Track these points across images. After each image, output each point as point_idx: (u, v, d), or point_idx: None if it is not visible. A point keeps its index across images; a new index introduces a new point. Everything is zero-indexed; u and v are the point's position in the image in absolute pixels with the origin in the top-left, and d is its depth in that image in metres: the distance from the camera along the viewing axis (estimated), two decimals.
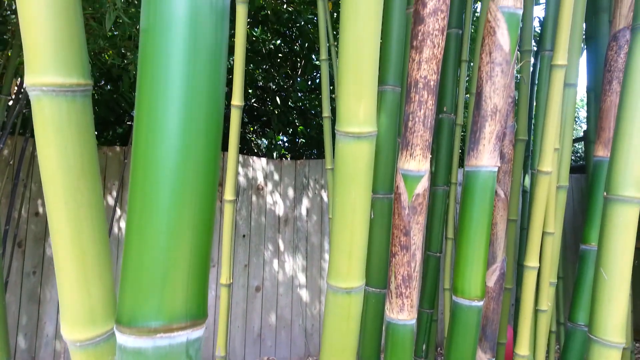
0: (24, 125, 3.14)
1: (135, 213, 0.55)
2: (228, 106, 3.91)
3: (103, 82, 4.14)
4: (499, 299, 1.53)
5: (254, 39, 4.67)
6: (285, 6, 4.36)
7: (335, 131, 0.94)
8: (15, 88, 2.94)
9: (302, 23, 4.34)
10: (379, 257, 1.32)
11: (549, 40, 1.86)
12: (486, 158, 1.13)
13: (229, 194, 1.55)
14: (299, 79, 5.18)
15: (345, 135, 0.91)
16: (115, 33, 2.74)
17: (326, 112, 2.23)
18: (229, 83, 3.45)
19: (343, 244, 0.95)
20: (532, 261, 1.47)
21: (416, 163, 1.09)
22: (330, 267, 0.99)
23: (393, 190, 1.31)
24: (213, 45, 0.54)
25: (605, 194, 1.29)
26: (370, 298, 1.34)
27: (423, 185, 1.11)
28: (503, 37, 1.22)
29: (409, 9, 1.57)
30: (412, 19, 1.17)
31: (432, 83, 1.08)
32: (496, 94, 1.23)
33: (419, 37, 1.06)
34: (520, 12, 1.22)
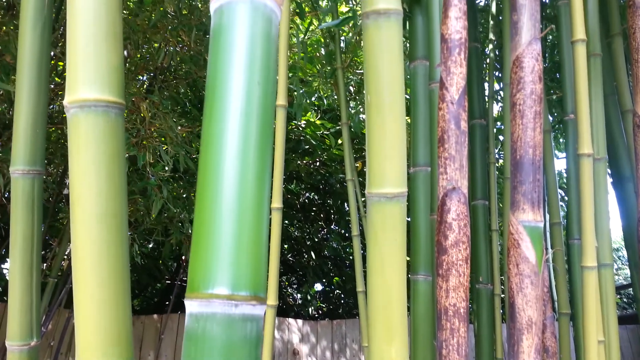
0: (69, 301, 3.26)
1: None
2: None
3: (147, 241, 4.34)
4: None
5: (288, 196, 4.89)
6: (317, 168, 4.63)
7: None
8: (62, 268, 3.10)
9: (334, 182, 4.56)
10: None
11: (576, 230, 1.88)
12: None
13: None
14: (333, 227, 5.30)
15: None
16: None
17: (360, 287, 2.25)
18: None
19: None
20: None
21: None
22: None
23: None
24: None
25: None
26: None
27: None
28: (528, 250, 1.25)
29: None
30: (435, 222, 1.22)
31: (462, 310, 1.10)
32: (529, 306, 1.22)
33: (444, 267, 1.10)
34: (542, 224, 1.27)
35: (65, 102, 0.75)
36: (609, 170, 2.45)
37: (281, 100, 1.66)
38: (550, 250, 2.14)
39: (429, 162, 1.78)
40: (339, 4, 2.63)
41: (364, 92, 1.01)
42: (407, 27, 1.95)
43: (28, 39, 1.07)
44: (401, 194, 0.97)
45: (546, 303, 1.64)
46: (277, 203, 1.63)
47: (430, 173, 1.77)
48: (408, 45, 2.05)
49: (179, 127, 2.61)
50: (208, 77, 0.70)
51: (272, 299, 1.54)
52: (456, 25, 1.13)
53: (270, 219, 1.60)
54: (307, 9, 3.29)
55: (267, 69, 0.70)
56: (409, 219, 1.72)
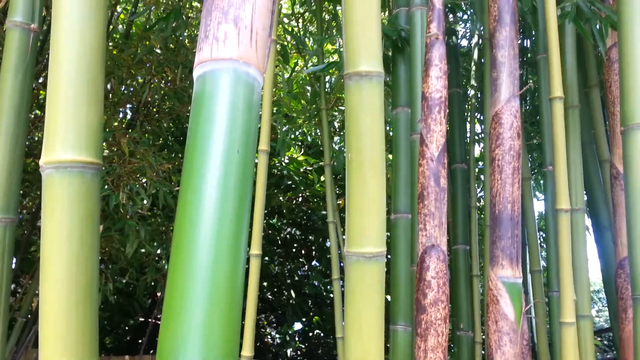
0: (37, 340, 3.14)
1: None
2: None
3: (122, 276, 4.23)
4: None
5: (269, 232, 4.85)
6: (299, 203, 4.61)
7: None
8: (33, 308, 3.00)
9: (316, 218, 4.54)
10: None
11: (555, 283, 1.89)
12: None
13: None
14: (314, 263, 5.25)
15: None
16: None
17: (339, 334, 2.21)
18: None
19: None
20: None
21: None
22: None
23: None
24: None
25: None
26: None
27: None
28: (507, 307, 1.24)
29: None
30: (414, 280, 1.21)
31: None
32: None
33: (423, 326, 1.09)
34: (520, 280, 1.27)
35: (41, 162, 0.74)
36: (588, 219, 2.49)
37: (263, 145, 1.66)
38: (531, 300, 2.14)
39: (409, 209, 1.78)
40: (325, 43, 2.67)
41: (345, 150, 1.01)
42: (390, 75, 1.98)
43: (8, 87, 1.06)
44: (380, 253, 0.96)
45: (525, 356, 1.63)
46: (256, 250, 1.60)
47: (411, 220, 1.77)
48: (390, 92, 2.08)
49: (159, 164, 2.58)
50: (188, 145, 0.69)
51: (248, 350, 1.50)
52: (436, 85, 1.15)
53: (248, 267, 1.57)
54: (292, 49, 3.34)
55: (247, 135, 0.70)
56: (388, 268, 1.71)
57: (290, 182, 4.46)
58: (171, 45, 3.09)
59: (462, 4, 2.26)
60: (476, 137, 3.56)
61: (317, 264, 5.24)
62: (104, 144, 2.98)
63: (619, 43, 1.34)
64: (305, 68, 3.36)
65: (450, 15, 2.86)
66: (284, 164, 4.31)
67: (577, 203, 1.88)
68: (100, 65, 0.79)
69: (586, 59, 2.32)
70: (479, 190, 3.77)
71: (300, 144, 4.60)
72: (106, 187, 2.17)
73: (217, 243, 0.61)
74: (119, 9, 3.68)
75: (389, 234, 1.85)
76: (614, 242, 2.27)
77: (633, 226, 1.26)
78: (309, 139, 4.38)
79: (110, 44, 3.38)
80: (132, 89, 3.19)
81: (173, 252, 0.65)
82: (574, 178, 1.88)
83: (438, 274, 1.10)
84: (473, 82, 2.90)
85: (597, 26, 1.88)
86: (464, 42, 3.67)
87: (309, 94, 3.29)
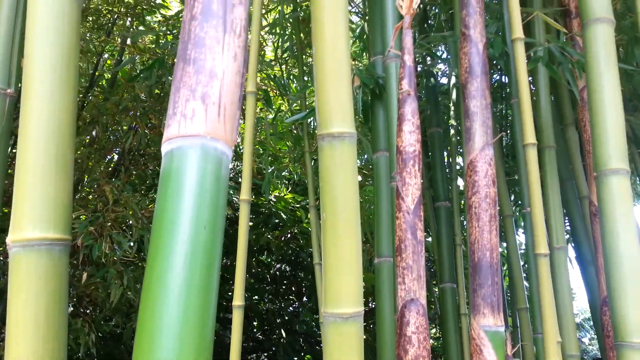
0: None
1: None
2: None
3: (108, 320, 4.14)
4: None
5: (259, 269, 4.81)
6: (288, 240, 4.60)
7: None
8: None
9: (305, 255, 4.52)
10: None
11: (540, 325, 1.89)
12: None
13: None
14: (304, 299, 5.19)
15: None
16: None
17: None
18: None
19: None
20: None
21: None
22: None
23: None
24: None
25: None
26: None
27: None
28: (490, 356, 1.24)
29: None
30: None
31: None
32: None
33: None
34: (503, 329, 1.27)
35: (8, 240, 0.74)
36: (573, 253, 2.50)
37: (245, 194, 1.67)
38: (520, 343, 2.13)
39: (392, 253, 1.79)
40: (307, 90, 2.72)
41: (320, 210, 1.02)
42: (370, 120, 2.02)
43: None
44: (357, 313, 0.96)
45: None
46: (238, 301, 1.59)
47: (394, 263, 1.77)
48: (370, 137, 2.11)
49: (143, 209, 2.58)
50: (154, 223, 0.70)
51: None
52: (410, 139, 1.18)
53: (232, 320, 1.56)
54: (275, 90, 3.39)
55: (215, 211, 0.70)
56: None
57: (277, 220, 4.46)
58: (157, 90, 3.13)
59: (439, 49, 2.33)
60: (460, 171, 3.61)
61: (307, 300, 5.18)
62: (89, 189, 2.98)
63: (588, 91, 1.38)
64: (288, 112, 3.41)
65: (429, 58, 2.93)
66: (272, 202, 4.32)
67: (558, 241, 1.89)
68: (71, 137, 0.80)
69: (561, 98, 2.38)
70: (464, 222, 3.78)
71: (287, 181, 4.62)
72: (87, 236, 2.15)
73: (182, 332, 0.61)
74: (105, 55, 3.74)
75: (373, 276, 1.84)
76: (597, 278, 2.29)
77: (611, 274, 1.28)
78: (296, 177, 4.40)
79: (96, 89, 3.41)
80: (117, 134, 3.21)
81: (137, 338, 0.64)
82: (554, 217, 1.91)
83: (418, 329, 1.10)
84: (453, 121, 2.96)
85: (570, 66, 1.94)
86: (445, 79, 3.75)
87: (294, 132, 3.33)
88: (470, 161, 1.39)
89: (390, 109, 1.71)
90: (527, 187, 2.02)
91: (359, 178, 4.07)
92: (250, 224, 4.30)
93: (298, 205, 4.49)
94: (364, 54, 2.82)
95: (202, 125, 0.72)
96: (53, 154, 0.76)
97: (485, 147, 1.38)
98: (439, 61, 3.32)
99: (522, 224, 2.69)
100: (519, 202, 3.76)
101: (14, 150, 2.54)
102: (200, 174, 0.70)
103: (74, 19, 0.86)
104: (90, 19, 3.27)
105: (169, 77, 2.90)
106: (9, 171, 2.82)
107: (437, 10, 3.27)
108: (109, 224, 2.29)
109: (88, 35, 3.09)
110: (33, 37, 0.87)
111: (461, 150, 3.39)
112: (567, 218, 2.43)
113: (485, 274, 1.28)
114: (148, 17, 3.45)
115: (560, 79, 1.94)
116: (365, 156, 3.76)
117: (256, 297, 4.73)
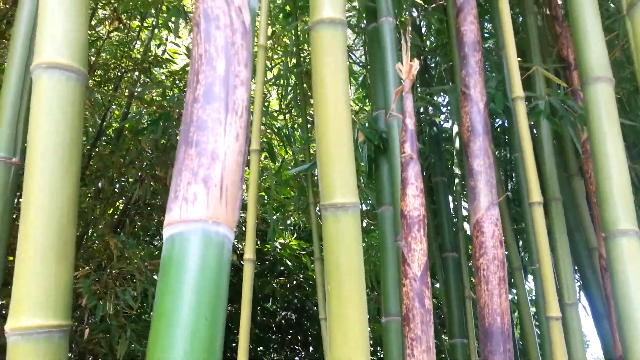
0: None
1: None
2: None
3: None
4: None
5: (264, 318, 4.72)
6: (293, 288, 4.53)
7: None
8: None
9: (310, 305, 4.44)
10: None
11: None
12: None
13: None
14: (311, 350, 5.06)
15: None
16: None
17: None
18: None
19: None
20: None
21: None
22: None
23: None
24: None
25: None
26: None
27: None
28: None
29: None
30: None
31: None
32: None
33: None
34: None
35: (6, 327, 0.72)
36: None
37: (249, 254, 1.65)
38: None
39: (399, 312, 1.75)
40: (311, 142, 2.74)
41: (325, 281, 1.00)
42: (374, 174, 2.01)
43: None
44: None
45: None
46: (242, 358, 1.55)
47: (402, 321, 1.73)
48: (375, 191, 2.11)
49: (146, 262, 2.55)
50: (155, 308, 0.68)
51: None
52: (414, 203, 1.17)
53: None
54: (279, 147, 3.42)
55: (216, 297, 0.69)
56: None
57: (283, 268, 4.41)
58: (162, 141, 3.16)
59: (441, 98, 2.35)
60: (466, 218, 3.57)
61: (314, 351, 5.05)
62: (93, 243, 2.97)
63: (591, 152, 1.37)
64: (292, 162, 3.43)
65: (430, 108, 2.96)
66: (277, 249, 4.28)
67: (569, 297, 1.85)
68: (72, 219, 0.80)
69: (564, 147, 2.38)
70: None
71: (292, 227, 4.59)
72: (91, 296, 2.13)
73: None
74: (112, 106, 3.81)
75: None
76: (611, 334, 2.22)
77: (626, 337, 1.23)
78: (301, 223, 4.38)
79: (103, 139, 3.45)
80: (124, 186, 3.23)
81: None
82: (564, 272, 1.87)
83: None
84: (457, 169, 2.96)
85: (572, 119, 1.94)
86: (448, 123, 3.77)
87: (298, 180, 3.33)
88: (477, 221, 1.38)
89: (394, 165, 1.71)
90: (534, 241, 1.99)
91: (364, 224, 4.04)
92: (255, 271, 4.26)
93: (304, 252, 4.45)
94: (367, 100, 2.85)
95: (203, 209, 0.71)
96: (54, 236, 0.76)
97: (491, 207, 1.37)
98: (442, 106, 3.36)
99: (532, 269, 2.63)
100: (527, 248, 3.71)
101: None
102: (201, 262, 0.69)
103: (77, 98, 0.87)
104: (98, 72, 3.35)
105: (176, 130, 2.93)
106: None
107: (438, 59, 3.33)
108: (112, 282, 2.26)
109: (96, 89, 3.15)
110: (37, 114, 0.89)
111: (466, 194, 3.37)
112: (576, 269, 2.39)
113: (497, 340, 1.24)
114: (156, 69, 3.53)
115: (562, 132, 1.94)
116: (370, 200, 3.74)
117: (261, 347, 4.62)
